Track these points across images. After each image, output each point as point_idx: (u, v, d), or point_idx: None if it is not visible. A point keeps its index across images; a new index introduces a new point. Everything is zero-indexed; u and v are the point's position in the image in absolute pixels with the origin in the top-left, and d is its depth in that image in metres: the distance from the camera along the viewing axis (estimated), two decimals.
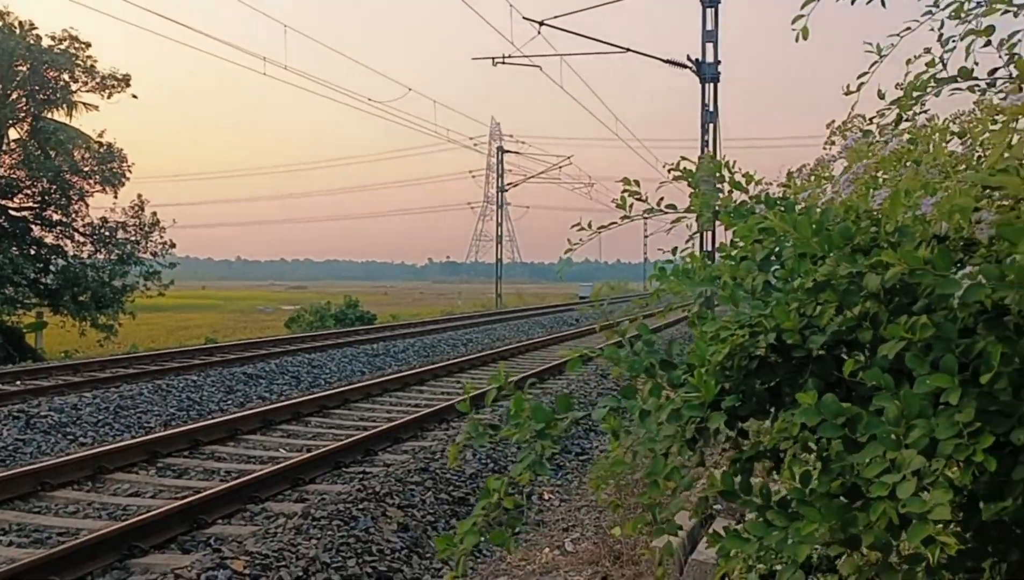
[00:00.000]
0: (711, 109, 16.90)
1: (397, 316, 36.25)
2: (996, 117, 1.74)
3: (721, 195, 2.51)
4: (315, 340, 21.02)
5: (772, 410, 1.99)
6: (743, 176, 2.53)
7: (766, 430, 2.03)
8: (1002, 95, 1.97)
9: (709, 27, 16.87)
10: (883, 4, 2.48)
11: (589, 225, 2.76)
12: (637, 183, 2.70)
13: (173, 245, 28.61)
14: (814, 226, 1.85)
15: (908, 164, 1.97)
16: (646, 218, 2.71)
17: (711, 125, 16.99)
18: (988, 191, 1.73)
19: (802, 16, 2.60)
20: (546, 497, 8.34)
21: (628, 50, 18.68)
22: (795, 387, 1.89)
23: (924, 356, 1.58)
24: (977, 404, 1.48)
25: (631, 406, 1.99)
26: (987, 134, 1.81)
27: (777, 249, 2.09)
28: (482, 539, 1.84)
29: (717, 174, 2.58)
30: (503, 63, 20.61)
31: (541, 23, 18.06)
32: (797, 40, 2.64)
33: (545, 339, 22.20)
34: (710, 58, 16.91)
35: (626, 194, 2.62)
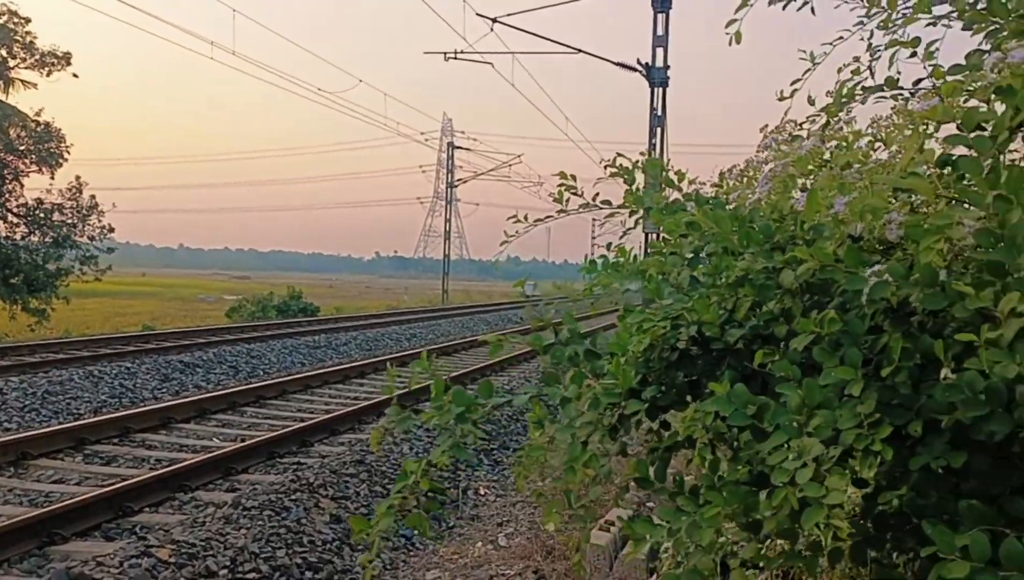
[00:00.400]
0: (659, 113, 17.09)
1: (341, 309, 35.91)
2: (909, 123, 1.80)
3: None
4: (256, 330, 20.73)
5: (692, 401, 2.04)
6: (675, 174, 2.58)
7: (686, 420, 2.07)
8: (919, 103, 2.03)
9: (660, 32, 17.06)
10: (812, 11, 2.55)
11: (525, 218, 2.79)
12: (574, 177, 2.73)
13: (111, 229, 27.95)
14: (735, 223, 1.90)
15: (825, 165, 2.03)
16: (581, 212, 2.75)
17: (659, 129, 17.18)
18: (900, 193, 1.79)
19: (735, 20, 2.66)
20: (482, 492, 8.35)
21: (580, 51, 18.80)
22: (713, 379, 1.94)
23: (835, 351, 1.64)
24: (878, 397, 1.54)
25: (553, 393, 2.02)
26: (900, 139, 1.87)
27: (702, 245, 2.14)
28: (399, 522, 1.84)
29: (652, 172, 2.63)
30: (455, 58, 20.57)
31: (494, 20, 18.09)
32: (731, 44, 2.70)
33: (490, 336, 22.17)
34: (660, 63, 17.10)
35: (562, 188, 2.66)
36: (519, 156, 46.19)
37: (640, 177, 2.63)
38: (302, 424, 9.22)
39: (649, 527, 1.69)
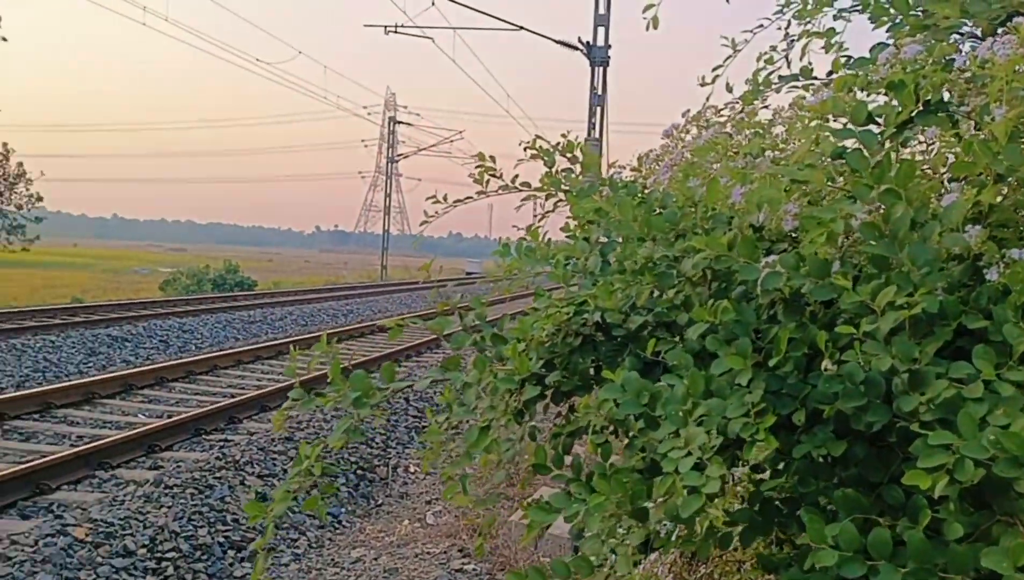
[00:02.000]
0: (599, 92, 17.12)
1: (279, 283, 35.43)
2: (804, 115, 1.82)
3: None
4: (188, 304, 20.33)
5: (597, 387, 2.05)
6: (584, 156, 2.58)
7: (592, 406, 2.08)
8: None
9: (601, 11, 17.06)
10: (727, 1, 2.56)
11: (444, 198, 2.77)
12: (493, 159, 2.72)
13: (40, 198, 27.14)
14: (637, 210, 1.90)
15: (734, 154, 2.05)
16: (500, 194, 2.74)
17: (599, 108, 17.23)
18: (797, 184, 1.81)
19: (652, 5, 2.66)
20: (411, 470, 8.34)
21: (521, 28, 18.71)
22: (616, 365, 1.95)
23: (732, 340, 1.65)
24: (766, 386, 1.56)
25: (454, 378, 2.01)
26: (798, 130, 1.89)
27: (609, 231, 2.15)
28: (294, 505, 1.82)
29: (570, 154, 2.62)
30: (395, 32, 20.30)
31: None
32: (648, 29, 2.70)
33: (427, 313, 22.17)
34: (601, 42, 17.11)
35: (481, 170, 2.64)
36: (461, 132, 45.97)
37: (560, 159, 2.62)
38: (231, 400, 9.09)
39: (543, 513, 1.69)
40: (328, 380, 1.90)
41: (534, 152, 2.72)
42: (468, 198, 2.84)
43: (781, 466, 1.78)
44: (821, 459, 1.59)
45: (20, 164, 26.31)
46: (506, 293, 2.66)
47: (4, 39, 26.54)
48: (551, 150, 2.66)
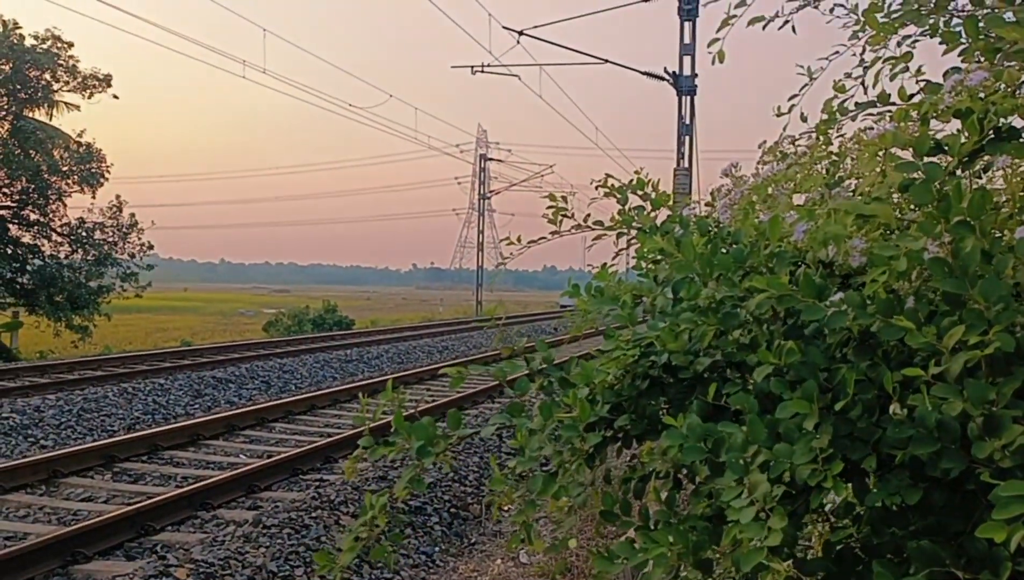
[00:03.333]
0: (687, 121, 16.99)
1: (376, 321, 36.16)
2: (869, 147, 1.76)
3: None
4: (290, 345, 20.93)
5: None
6: (657, 194, 2.56)
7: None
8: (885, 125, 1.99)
9: (687, 40, 16.97)
10: (793, 31, 2.51)
11: (519, 239, 2.79)
12: (565, 199, 2.73)
13: (151, 246, 28.41)
14: (697, 251, 1.87)
15: (795, 189, 1.99)
16: (573, 234, 2.73)
17: (687, 137, 17.08)
18: (862, 220, 1.75)
19: (717, 40, 2.63)
20: (505, 508, 8.33)
21: (607, 61, 18.77)
22: (683, 409, 1.91)
23: (799, 382, 1.60)
24: (834, 430, 1.50)
25: (520, 424, 1.99)
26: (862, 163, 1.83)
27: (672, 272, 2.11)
28: (362, 555, 1.84)
29: (639, 191, 2.60)
30: (482, 72, 20.66)
31: (520, 32, 18.13)
32: (713, 63, 2.67)
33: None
34: (687, 71, 17.01)
35: (555, 210, 2.65)
36: (551, 166, 46.26)
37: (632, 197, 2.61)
38: (327, 440, 9.27)
39: (607, 563, 1.66)
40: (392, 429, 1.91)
41: (606, 190, 2.71)
42: (542, 238, 2.85)
43: (855, 514, 1.70)
44: (895, 507, 1.52)
45: (132, 215, 27.67)
46: (577, 332, 2.64)
47: (116, 96, 28.11)
48: (623, 187, 2.65)
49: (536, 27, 18.07)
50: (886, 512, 1.53)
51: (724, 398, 1.68)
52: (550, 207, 2.66)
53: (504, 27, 18.15)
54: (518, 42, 18.32)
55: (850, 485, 1.57)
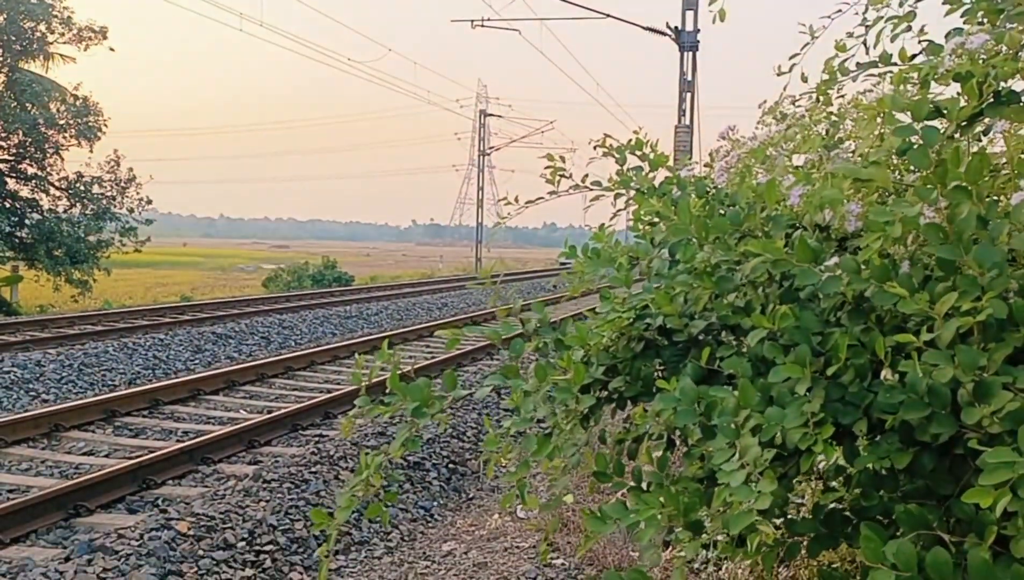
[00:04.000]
0: (689, 77, 16.83)
1: (375, 278, 36.17)
2: (863, 112, 1.75)
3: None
4: (288, 301, 20.96)
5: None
6: (656, 154, 2.54)
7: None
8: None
9: None
10: None
11: (516, 200, 2.78)
12: (563, 159, 2.71)
13: (150, 201, 28.26)
14: (693, 214, 1.86)
15: (781, 151, 1.98)
16: (571, 194, 2.72)
17: (689, 93, 16.94)
18: (860, 183, 1.74)
19: None
20: (503, 463, 8.41)
21: (608, 16, 18.53)
22: (678, 371, 1.91)
23: (792, 346, 1.60)
24: (826, 395, 1.51)
25: (515, 385, 2.01)
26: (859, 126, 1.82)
27: (668, 234, 2.11)
28: (360, 510, 1.86)
29: (638, 151, 2.58)
30: (482, 26, 20.41)
31: None
32: (714, 22, 2.63)
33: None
34: (690, 27, 16.81)
35: (552, 170, 2.64)
36: (551, 122, 45.91)
37: (632, 157, 2.59)
38: (326, 396, 9.33)
39: (599, 523, 1.68)
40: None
41: (605, 150, 2.69)
42: (539, 199, 2.83)
43: (845, 475, 1.72)
44: (885, 471, 1.53)
45: (130, 169, 27.47)
46: (574, 293, 2.64)
47: (112, 49, 27.79)
48: (622, 148, 2.63)
49: None
50: (876, 475, 1.55)
51: (718, 362, 1.68)
52: (548, 167, 2.64)
53: None
54: None
55: (840, 448, 1.58)
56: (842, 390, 1.52)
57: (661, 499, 1.48)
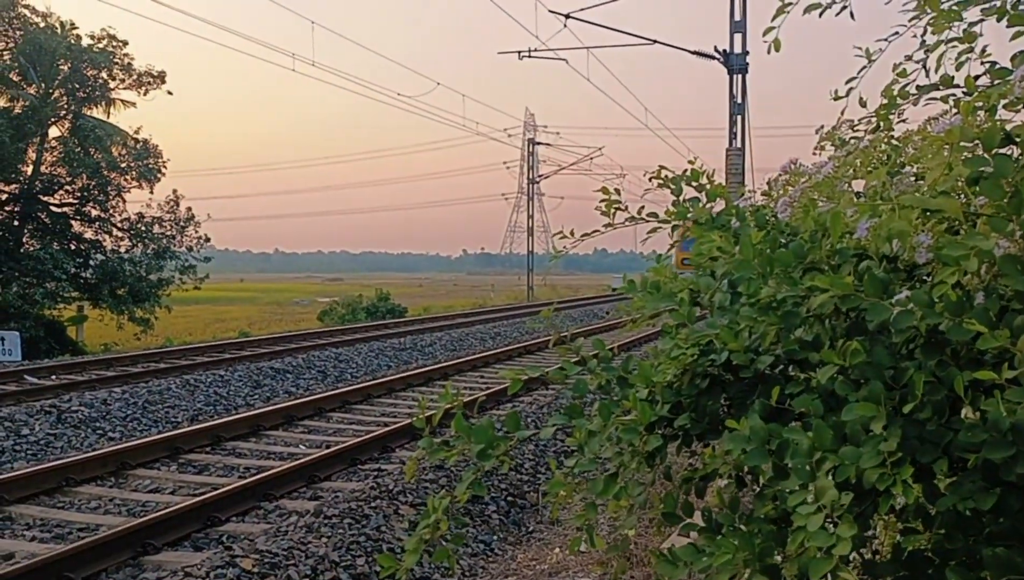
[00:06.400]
0: (739, 100, 16.72)
1: (428, 309, 36.41)
2: (930, 142, 1.71)
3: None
4: (344, 334, 21.19)
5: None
6: (712, 185, 2.51)
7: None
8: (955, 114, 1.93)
9: (737, 18, 16.68)
10: (851, 16, 2.45)
11: (572, 233, 2.78)
12: (617, 192, 2.70)
13: (208, 239, 28.95)
14: (755, 248, 1.83)
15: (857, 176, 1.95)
16: (626, 226, 2.71)
17: (739, 116, 16.81)
18: (929, 214, 1.70)
19: (772, 28, 2.57)
20: (562, 496, 8.34)
21: (655, 42, 18.55)
22: (744, 408, 1.88)
23: (864, 382, 1.56)
24: (903, 433, 1.46)
25: (579, 425, 1.99)
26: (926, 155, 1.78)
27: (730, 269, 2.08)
28: (426, 556, 1.85)
29: (695, 183, 2.56)
30: (529, 57, 20.58)
31: (567, 16, 18.00)
32: (769, 52, 2.61)
33: (574, 333, 22.16)
34: (738, 49, 16.72)
35: (607, 203, 2.63)
36: (600, 148, 45.95)
37: (687, 189, 2.57)
38: (384, 429, 9.38)
39: (670, 567, 1.65)
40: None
41: (660, 181, 2.68)
42: (595, 232, 2.82)
43: (926, 518, 1.66)
44: (968, 512, 1.48)
45: (189, 208, 28.20)
46: (634, 328, 2.61)
47: (170, 93, 28.62)
48: (677, 178, 2.61)
49: (583, 9, 17.93)
50: (958, 516, 1.50)
51: (788, 400, 1.65)
52: (603, 200, 2.63)
53: (550, 11, 18.05)
54: (565, 25, 18.21)
55: (919, 487, 1.53)
56: (919, 428, 1.47)
57: (735, 542, 1.45)
